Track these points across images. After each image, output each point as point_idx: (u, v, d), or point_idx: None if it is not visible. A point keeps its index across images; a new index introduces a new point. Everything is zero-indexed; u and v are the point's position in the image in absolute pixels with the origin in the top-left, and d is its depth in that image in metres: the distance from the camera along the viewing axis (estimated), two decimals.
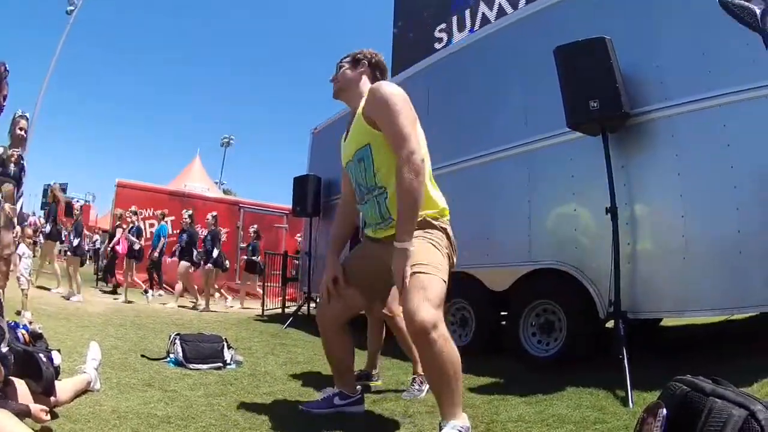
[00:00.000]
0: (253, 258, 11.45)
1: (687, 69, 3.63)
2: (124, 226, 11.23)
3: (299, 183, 7.85)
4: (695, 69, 3.57)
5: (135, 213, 11.28)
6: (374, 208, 2.60)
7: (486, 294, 4.80)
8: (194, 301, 9.80)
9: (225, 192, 29.64)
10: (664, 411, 1.79)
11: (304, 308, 7.98)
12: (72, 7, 17.65)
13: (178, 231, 11.47)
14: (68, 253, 9.90)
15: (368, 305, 3.34)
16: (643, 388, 3.00)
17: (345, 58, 2.84)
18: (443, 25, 10.18)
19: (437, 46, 9.89)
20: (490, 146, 5.01)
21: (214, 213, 10.61)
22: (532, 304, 4.44)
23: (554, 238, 4.34)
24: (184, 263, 9.74)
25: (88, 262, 17.95)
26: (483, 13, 9.33)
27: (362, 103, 2.63)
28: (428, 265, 2.34)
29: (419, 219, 2.44)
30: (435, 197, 2.57)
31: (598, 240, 3.88)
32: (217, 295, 11.45)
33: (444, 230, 2.54)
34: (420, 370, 3.36)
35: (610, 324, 3.65)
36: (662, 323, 5.57)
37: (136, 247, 10.77)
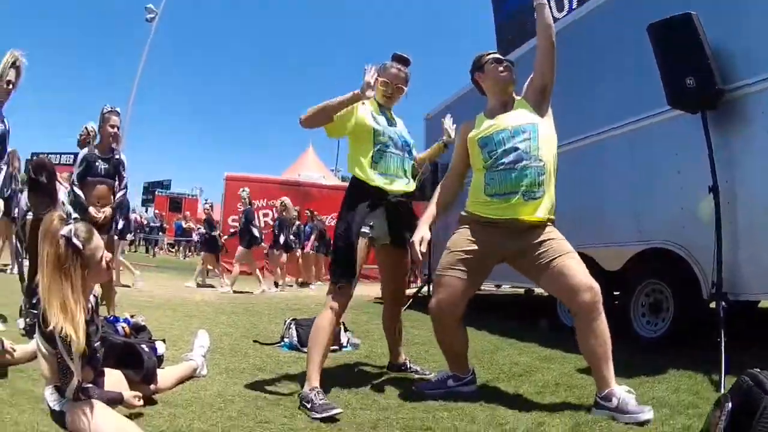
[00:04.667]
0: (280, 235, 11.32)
1: None
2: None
3: (416, 168, 8.03)
4: None
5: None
6: (530, 176, 2.82)
7: (600, 273, 4.65)
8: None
9: (343, 179, 27.69)
10: (729, 405, 1.85)
11: (424, 290, 8.07)
12: (152, 15, 17.63)
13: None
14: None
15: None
16: (738, 372, 2.94)
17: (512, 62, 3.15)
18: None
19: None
20: (597, 126, 4.99)
21: (246, 189, 11.01)
22: (643, 283, 4.44)
23: (662, 217, 4.27)
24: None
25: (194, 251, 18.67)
26: None
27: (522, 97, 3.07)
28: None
29: (551, 217, 2.89)
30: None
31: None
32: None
33: None
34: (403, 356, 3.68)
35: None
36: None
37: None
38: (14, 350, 3.14)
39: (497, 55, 3.11)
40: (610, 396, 2.56)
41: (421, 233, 3.04)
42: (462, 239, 2.96)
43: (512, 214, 2.82)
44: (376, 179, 3.13)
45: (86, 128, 5.52)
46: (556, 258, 2.76)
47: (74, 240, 2.17)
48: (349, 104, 3.01)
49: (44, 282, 2.16)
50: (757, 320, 5.20)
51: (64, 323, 2.07)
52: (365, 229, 3.07)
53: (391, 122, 3.31)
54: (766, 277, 3.46)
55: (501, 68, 3.05)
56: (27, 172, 5.51)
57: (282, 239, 11.12)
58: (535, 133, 2.87)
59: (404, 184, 3.28)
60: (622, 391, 2.57)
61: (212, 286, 10.68)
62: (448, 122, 3.63)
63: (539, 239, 2.82)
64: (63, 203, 5.23)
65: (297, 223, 12.28)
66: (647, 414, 2.47)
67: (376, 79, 3.17)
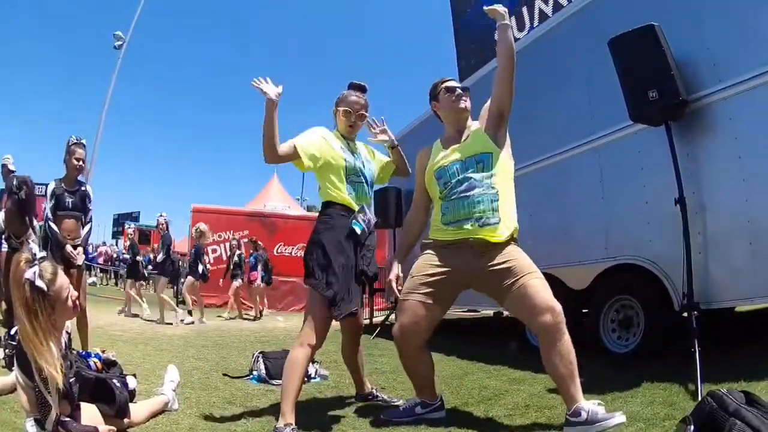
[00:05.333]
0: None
1: (736, 48, 3.47)
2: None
3: (380, 195, 7.93)
4: (744, 47, 3.41)
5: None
6: (483, 204, 2.83)
7: (567, 293, 4.66)
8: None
9: (308, 209, 27.54)
10: (692, 428, 1.83)
11: (392, 317, 7.76)
12: (120, 42, 17.46)
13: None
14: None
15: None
16: (714, 380, 2.93)
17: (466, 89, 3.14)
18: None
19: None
20: (560, 145, 4.99)
21: (164, 214, 10.83)
22: (612, 300, 4.39)
23: (629, 233, 4.25)
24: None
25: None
26: (540, 9, 9.15)
27: (478, 123, 3.04)
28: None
29: (514, 236, 2.87)
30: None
31: (671, 231, 3.75)
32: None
33: None
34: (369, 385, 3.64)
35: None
36: (739, 310, 5.25)
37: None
38: None
39: (449, 84, 3.14)
40: (579, 411, 2.52)
41: (395, 271, 3.14)
42: (424, 264, 2.98)
43: (468, 236, 2.84)
44: (356, 205, 3.11)
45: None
46: (517, 279, 2.75)
47: (38, 282, 2.30)
48: (271, 115, 2.86)
49: (19, 322, 2.32)
50: (730, 328, 5.17)
51: (40, 361, 2.23)
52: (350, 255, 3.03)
53: (354, 153, 3.25)
54: (738, 284, 3.46)
55: (453, 97, 3.07)
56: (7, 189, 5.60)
57: (200, 269, 10.44)
58: (489, 161, 2.91)
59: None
60: (589, 404, 2.53)
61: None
62: (374, 139, 3.49)
63: (500, 259, 2.81)
64: (31, 241, 5.19)
65: (238, 252, 11.99)
66: (618, 418, 2.43)
67: (336, 109, 3.25)
